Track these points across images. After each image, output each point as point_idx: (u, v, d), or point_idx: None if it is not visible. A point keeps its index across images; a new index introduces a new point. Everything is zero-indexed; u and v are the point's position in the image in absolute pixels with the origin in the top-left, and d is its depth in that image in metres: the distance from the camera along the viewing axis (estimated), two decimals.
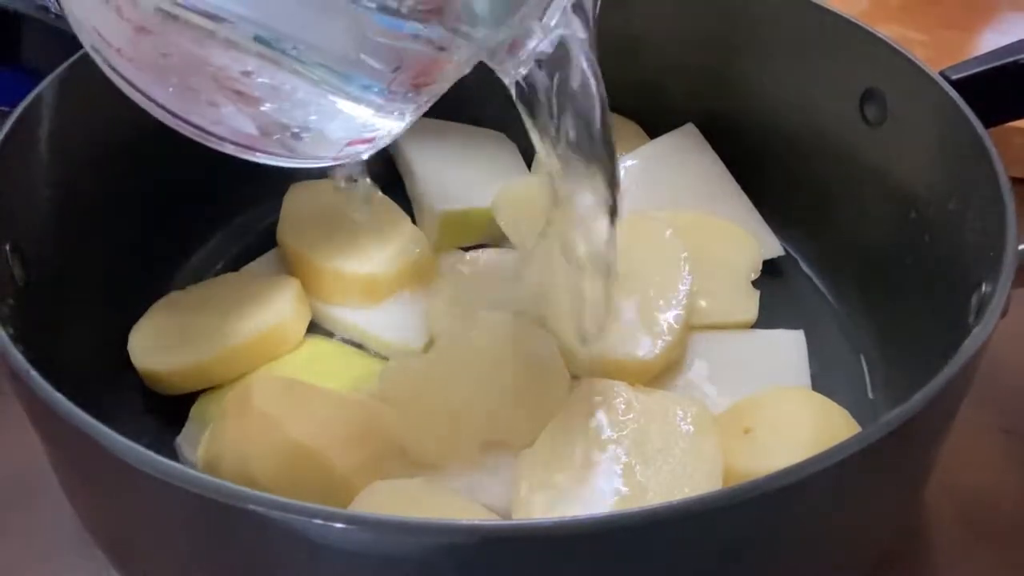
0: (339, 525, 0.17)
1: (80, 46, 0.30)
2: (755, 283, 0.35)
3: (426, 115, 0.40)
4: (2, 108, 0.43)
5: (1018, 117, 0.32)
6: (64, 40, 0.30)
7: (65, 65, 0.29)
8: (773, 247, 0.37)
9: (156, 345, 0.31)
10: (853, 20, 0.34)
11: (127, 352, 0.31)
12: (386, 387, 0.29)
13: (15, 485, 0.30)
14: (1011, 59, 0.32)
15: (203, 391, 0.31)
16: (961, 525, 0.30)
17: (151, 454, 0.18)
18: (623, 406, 0.30)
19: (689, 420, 0.29)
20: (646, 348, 0.31)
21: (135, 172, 0.33)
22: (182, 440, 0.29)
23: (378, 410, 0.28)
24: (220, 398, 0.30)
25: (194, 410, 0.30)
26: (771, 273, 0.36)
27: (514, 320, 0.30)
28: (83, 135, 0.30)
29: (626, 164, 0.38)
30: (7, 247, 0.25)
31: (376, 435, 0.27)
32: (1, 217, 0.25)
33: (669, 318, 0.32)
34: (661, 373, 0.32)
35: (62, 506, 0.25)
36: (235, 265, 0.36)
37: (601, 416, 0.29)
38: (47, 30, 0.31)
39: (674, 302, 0.32)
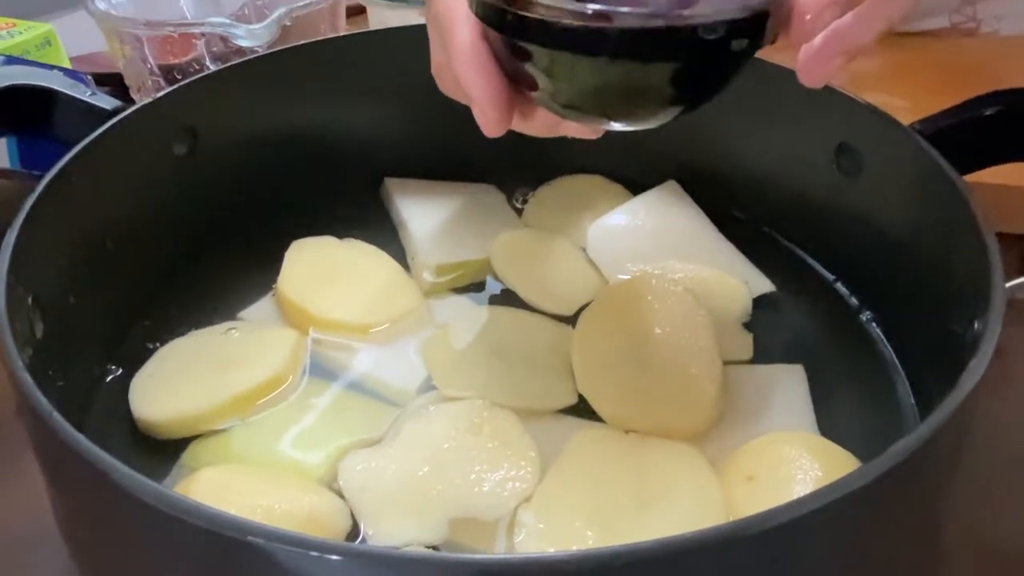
0: (335, 558, 0.18)
1: (107, 119, 0.33)
2: (750, 323, 0.36)
3: (417, 175, 0.43)
4: (35, 173, 0.46)
5: (986, 166, 0.33)
6: (91, 115, 0.34)
7: (91, 137, 0.32)
8: (762, 284, 0.38)
9: (154, 394, 0.32)
10: None
11: (117, 396, 0.32)
12: (345, 482, 0.29)
13: (9, 547, 0.31)
14: (977, 112, 0.34)
15: (194, 437, 0.31)
16: None
17: (157, 486, 0.19)
18: (622, 454, 0.30)
19: (688, 467, 0.30)
20: (696, 412, 0.31)
21: (145, 232, 0.35)
22: (169, 484, 0.30)
23: (322, 501, 0.28)
24: (212, 445, 0.31)
25: (185, 456, 0.31)
26: (765, 310, 0.37)
27: (472, 403, 0.31)
28: (102, 199, 0.33)
29: (612, 220, 0.40)
30: (29, 300, 0.27)
31: (319, 528, 0.27)
32: (27, 271, 0.27)
33: (709, 376, 0.32)
34: None
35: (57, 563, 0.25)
36: (233, 312, 0.37)
37: (601, 465, 0.30)
38: (77, 105, 0.34)
39: (710, 360, 0.33)
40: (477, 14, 0.24)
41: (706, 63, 0.24)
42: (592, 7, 0.22)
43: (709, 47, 0.23)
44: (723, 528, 0.18)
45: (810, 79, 0.26)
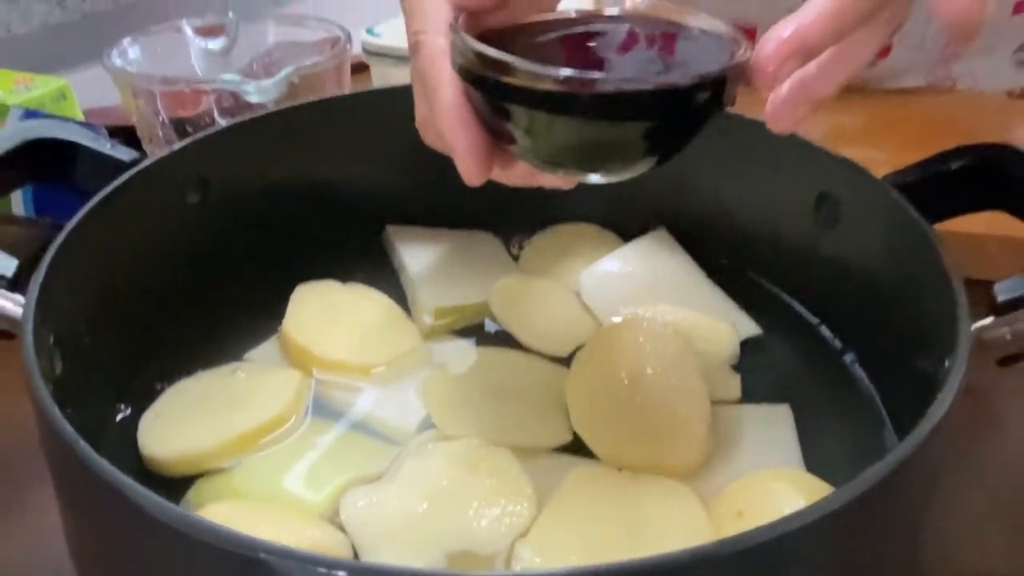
0: (342, 574, 0.19)
1: (124, 169, 0.35)
2: (737, 365, 0.38)
3: (418, 223, 0.44)
4: (48, 219, 0.48)
5: (956, 215, 0.35)
6: (110, 165, 0.36)
7: (111, 187, 0.34)
8: (749, 327, 0.39)
9: (162, 432, 0.33)
10: (799, 136, 0.38)
11: (125, 435, 0.33)
12: (347, 517, 0.30)
13: None
14: (945, 165, 0.36)
15: (200, 475, 0.32)
16: None
17: (175, 506, 0.20)
18: (615, 491, 0.31)
19: (679, 503, 0.31)
20: (686, 450, 0.32)
21: (157, 276, 0.37)
22: None
23: (324, 535, 0.29)
24: (217, 482, 0.32)
25: (191, 493, 0.32)
26: (752, 352, 0.38)
27: (470, 442, 0.32)
28: (119, 244, 0.35)
29: (604, 265, 0.42)
30: (51, 339, 0.29)
31: None
32: (50, 312, 0.29)
33: (699, 416, 0.33)
34: None
35: None
36: (239, 353, 0.38)
37: (595, 501, 0.31)
38: (97, 156, 0.35)
39: (700, 400, 0.34)
40: (460, 74, 0.26)
41: (672, 123, 0.26)
42: (565, 72, 0.24)
43: (674, 108, 0.25)
44: (699, 549, 0.19)
45: (777, 126, 0.28)
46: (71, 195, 0.35)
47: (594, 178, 0.28)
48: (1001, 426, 0.38)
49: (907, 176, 0.35)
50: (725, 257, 0.43)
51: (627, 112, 0.25)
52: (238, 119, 0.40)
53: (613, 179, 0.28)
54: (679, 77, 0.25)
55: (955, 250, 0.30)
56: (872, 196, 0.35)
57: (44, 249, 0.30)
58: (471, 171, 0.27)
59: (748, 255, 0.42)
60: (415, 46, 0.28)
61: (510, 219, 0.44)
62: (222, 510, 0.30)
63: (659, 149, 0.27)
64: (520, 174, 0.29)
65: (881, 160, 0.38)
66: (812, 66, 0.27)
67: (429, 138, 0.30)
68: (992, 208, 0.34)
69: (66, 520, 0.25)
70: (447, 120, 0.26)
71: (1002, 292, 0.28)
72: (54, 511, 0.27)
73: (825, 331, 0.40)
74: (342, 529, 0.30)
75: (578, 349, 0.37)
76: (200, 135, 0.38)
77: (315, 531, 0.29)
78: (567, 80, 0.24)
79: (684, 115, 0.25)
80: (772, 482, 0.31)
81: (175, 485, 0.32)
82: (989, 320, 0.28)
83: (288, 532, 0.29)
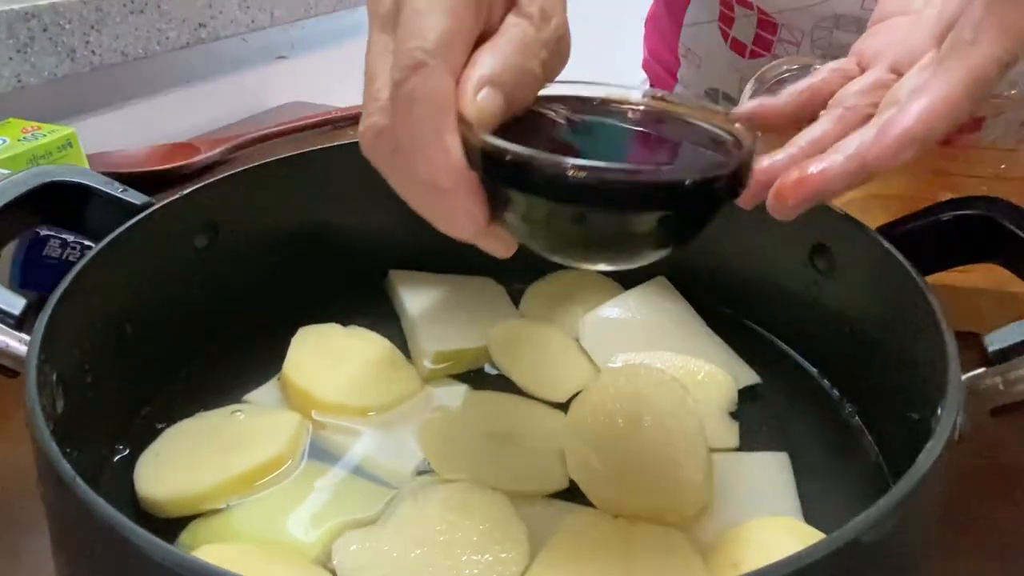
0: None
1: (135, 213, 0.36)
2: (735, 412, 0.38)
3: (420, 268, 0.45)
4: (32, 292, 0.48)
5: (947, 267, 0.36)
6: (121, 209, 0.36)
7: (121, 228, 0.35)
8: (748, 375, 0.40)
9: (159, 472, 0.33)
10: None
11: (122, 476, 0.33)
12: (339, 560, 0.29)
13: None
14: (936, 217, 0.36)
15: (194, 517, 0.32)
16: None
17: (174, 549, 0.20)
18: (610, 538, 0.31)
19: (675, 552, 0.30)
20: (683, 498, 0.32)
21: (162, 317, 0.37)
22: None
23: None
24: (211, 523, 0.32)
25: (184, 535, 0.32)
26: (750, 400, 0.38)
27: (466, 486, 0.32)
28: (127, 286, 0.35)
29: (604, 312, 0.42)
30: (54, 377, 0.29)
31: None
32: (55, 350, 0.29)
33: (696, 463, 0.33)
34: None
35: None
36: (239, 395, 0.38)
37: (589, 549, 0.30)
38: (110, 200, 0.36)
39: (697, 447, 0.34)
40: (468, 148, 0.24)
41: (680, 217, 0.24)
42: (572, 161, 0.22)
43: (683, 204, 0.24)
44: None
45: (778, 215, 0.29)
46: (55, 267, 0.35)
47: (600, 266, 0.27)
48: (1016, 485, 0.38)
49: (900, 228, 0.36)
50: (724, 306, 0.44)
51: (633, 205, 0.23)
52: (247, 165, 0.41)
53: (617, 268, 0.26)
54: (688, 172, 0.24)
55: (948, 302, 0.31)
56: (865, 247, 0.36)
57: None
58: (467, 232, 0.25)
59: (746, 304, 0.43)
60: (414, 65, 0.23)
61: (511, 265, 0.44)
62: (215, 552, 0.30)
63: (664, 242, 0.25)
64: (504, 243, 0.27)
65: (875, 213, 0.39)
66: (819, 175, 0.28)
67: (380, 149, 0.25)
68: (984, 260, 0.35)
69: (60, 566, 0.25)
70: (456, 184, 0.24)
71: (993, 342, 0.28)
72: (49, 558, 0.27)
73: (823, 380, 0.40)
74: (334, 573, 0.30)
75: (576, 395, 0.37)
76: (210, 180, 0.39)
77: (307, 574, 0.29)
78: (573, 168, 0.22)
79: (691, 210, 0.24)
80: (769, 531, 0.31)
81: (169, 526, 0.32)
82: (981, 370, 0.28)
83: (280, 575, 0.29)
